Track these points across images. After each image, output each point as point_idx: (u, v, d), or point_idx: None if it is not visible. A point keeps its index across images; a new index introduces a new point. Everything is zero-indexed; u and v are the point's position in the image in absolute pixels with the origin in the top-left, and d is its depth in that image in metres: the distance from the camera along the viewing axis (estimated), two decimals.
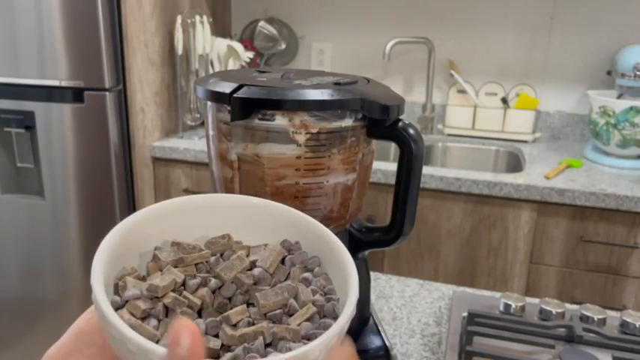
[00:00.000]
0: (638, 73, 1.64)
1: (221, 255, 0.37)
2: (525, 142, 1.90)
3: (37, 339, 1.85)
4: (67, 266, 1.75)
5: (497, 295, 0.84)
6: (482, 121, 1.94)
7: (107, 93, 1.59)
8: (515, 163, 1.83)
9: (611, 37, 1.85)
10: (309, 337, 0.32)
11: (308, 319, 0.33)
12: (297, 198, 0.50)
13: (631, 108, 1.59)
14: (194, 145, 1.74)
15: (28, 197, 1.74)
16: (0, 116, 1.67)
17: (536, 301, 0.81)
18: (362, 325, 0.62)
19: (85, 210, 1.69)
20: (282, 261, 0.37)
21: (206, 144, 0.56)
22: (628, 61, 1.68)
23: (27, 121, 1.66)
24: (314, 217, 0.39)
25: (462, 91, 2.00)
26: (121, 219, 0.35)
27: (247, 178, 0.51)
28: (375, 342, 0.61)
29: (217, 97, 0.49)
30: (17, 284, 1.82)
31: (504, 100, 1.97)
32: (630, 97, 1.69)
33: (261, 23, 2.07)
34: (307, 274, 0.36)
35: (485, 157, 1.92)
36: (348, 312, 0.32)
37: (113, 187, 1.66)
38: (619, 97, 1.72)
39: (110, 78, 1.59)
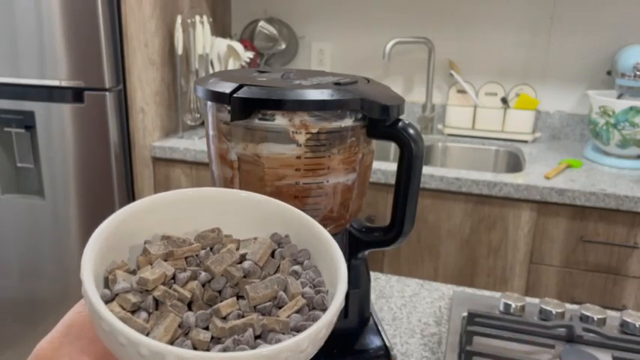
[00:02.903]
0: (638, 73, 1.64)
1: (211, 248, 0.37)
2: (525, 142, 1.90)
3: (37, 339, 1.84)
4: (67, 266, 1.75)
5: (497, 295, 0.84)
6: (482, 121, 1.94)
7: (107, 93, 1.59)
8: (515, 163, 1.82)
9: (611, 37, 1.85)
10: (298, 329, 0.32)
11: (297, 311, 0.33)
12: (297, 198, 0.50)
13: (631, 108, 1.59)
14: (194, 145, 1.74)
15: (28, 197, 1.74)
16: (0, 116, 1.67)
17: (536, 301, 0.81)
18: (362, 325, 0.62)
19: (85, 210, 1.69)
20: (272, 254, 0.37)
21: (206, 144, 0.56)
22: (628, 61, 1.68)
23: (27, 121, 1.66)
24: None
25: (461, 91, 2.00)
26: None
27: (247, 178, 0.51)
28: (375, 342, 0.61)
29: (217, 97, 0.49)
30: (17, 284, 1.82)
31: (504, 100, 1.97)
32: (630, 97, 1.69)
33: (261, 23, 2.07)
34: (297, 267, 0.37)
35: (485, 157, 1.92)
36: (337, 303, 0.32)
37: (113, 187, 1.66)
38: (619, 97, 1.72)
39: (110, 78, 1.59)
